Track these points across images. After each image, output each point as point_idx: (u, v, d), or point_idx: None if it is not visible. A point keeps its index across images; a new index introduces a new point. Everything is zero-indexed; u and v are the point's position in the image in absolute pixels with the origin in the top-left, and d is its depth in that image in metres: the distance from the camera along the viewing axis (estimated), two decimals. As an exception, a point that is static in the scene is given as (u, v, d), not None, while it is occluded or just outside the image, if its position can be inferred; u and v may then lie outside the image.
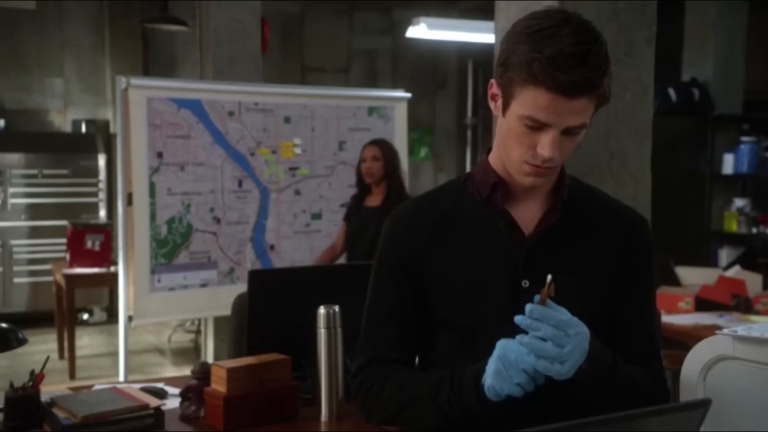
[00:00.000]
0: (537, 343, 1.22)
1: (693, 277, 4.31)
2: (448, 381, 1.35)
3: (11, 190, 6.92)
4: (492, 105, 1.38)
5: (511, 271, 1.37)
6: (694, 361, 1.22)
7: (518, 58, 1.27)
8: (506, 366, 1.24)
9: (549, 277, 1.24)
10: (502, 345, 1.26)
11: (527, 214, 1.43)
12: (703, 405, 0.86)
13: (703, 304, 4.01)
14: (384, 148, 4.03)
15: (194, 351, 6.13)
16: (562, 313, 1.24)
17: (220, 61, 4.80)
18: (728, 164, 5.95)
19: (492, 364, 1.26)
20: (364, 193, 4.05)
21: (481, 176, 1.45)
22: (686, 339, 3.37)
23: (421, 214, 1.47)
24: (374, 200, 3.99)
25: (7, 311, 6.73)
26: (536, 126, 1.29)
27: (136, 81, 4.18)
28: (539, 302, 1.24)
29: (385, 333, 1.47)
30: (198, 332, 5.88)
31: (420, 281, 1.44)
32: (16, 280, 6.94)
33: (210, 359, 4.58)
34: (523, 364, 1.22)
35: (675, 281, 4.37)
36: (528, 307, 1.23)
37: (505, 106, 1.33)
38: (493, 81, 1.36)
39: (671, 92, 5.89)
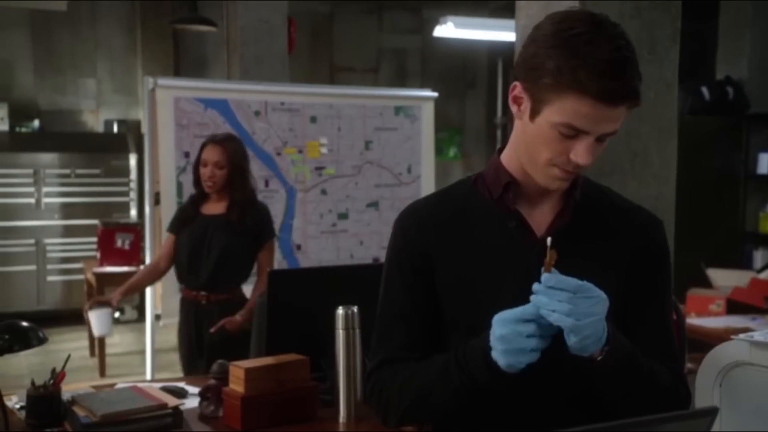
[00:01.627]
0: (555, 304, 1.21)
1: (725, 279, 4.23)
2: (454, 362, 1.33)
3: (45, 189, 7.03)
4: (514, 108, 1.34)
5: (522, 272, 1.34)
6: (710, 366, 1.19)
7: (557, 63, 1.23)
8: (509, 344, 1.22)
9: (548, 240, 1.23)
10: (499, 326, 1.24)
11: (539, 215, 1.40)
12: (710, 413, 0.83)
13: (734, 306, 3.94)
14: (229, 150, 3.26)
15: (223, 349, 6.16)
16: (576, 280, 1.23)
17: (246, 61, 4.82)
18: (763, 164, 5.84)
19: (498, 345, 1.24)
20: (200, 199, 3.33)
21: (493, 176, 1.42)
22: (717, 342, 3.30)
23: (432, 213, 1.44)
24: (215, 207, 3.30)
25: (40, 309, 6.84)
26: (572, 134, 1.27)
27: (163, 81, 4.21)
28: (544, 272, 1.22)
29: (397, 335, 1.44)
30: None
31: (431, 281, 1.41)
32: (50, 278, 7.05)
33: (236, 358, 4.60)
34: (525, 343, 1.22)
35: (706, 283, 4.29)
36: (544, 276, 1.22)
37: (535, 112, 1.29)
38: (517, 84, 1.32)
39: (704, 91, 5.79)
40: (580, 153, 1.27)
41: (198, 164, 3.28)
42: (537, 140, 1.31)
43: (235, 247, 3.26)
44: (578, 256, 1.37)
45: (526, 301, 1.31)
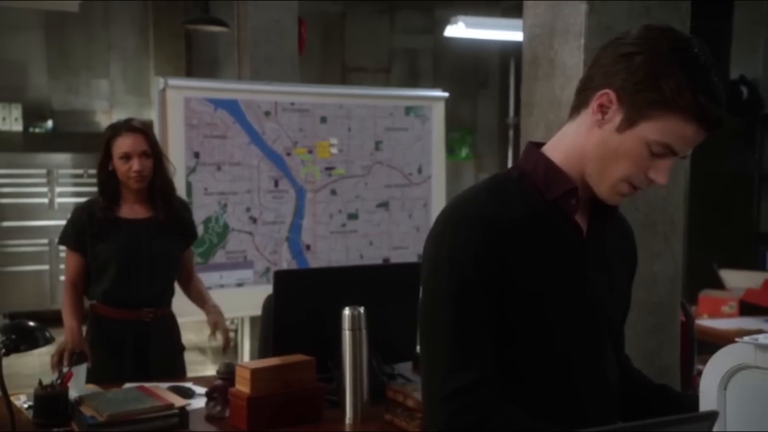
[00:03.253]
0: None
1: (738, 280, 4.20)
2: None
3: (58, 189, 7.06)
4: (597, 116, 1.27)
5: (579, 279, 1.35)
6: (714, 369, 1.18)
7: (678, 83, 1.20)
8: None
9: None
10: None
11: (579, 217, 1.37)
12: (710, 417, 0.82)
13: (747, 308, 3.91)
14: (150, 136, 2.82)
15: (234, 350, 6.18)
16: None
17: (257, 62, 4.82)
18: (777, 164, 5.80)
19: None
20: (111, 204, 2.78)
21: (545, 176, 1.35)
22: (729, 344, 3.28)
23: (496, 212, 1.31)
24: (135, 210, 2.81)
25: (54, 308, 6.87)
26: (663, 152, 1.25)
27: (173, 82, 4.22)
28: None
29: (485, 347, 1.29)
30: (236, 331, 5.93)
31: (500, 288, 1.30)
32: (62, 277, 7.06)
33: (246, 359, 4.60)
34: None
35: (719, 284, 4.26)
36: None
37: (629, 125, 1.25)
38: (608, 92, 1.26)
39: (718, 90, 5.75)
40: (662, 172, 1.26)
41: (107, 162, 2.75)
42: (620, 153, 1.27)
43: (175, 252, 2.89)
44: (607, 258, 1.40)
45: (586, 307, 1.34)
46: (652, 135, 1.23)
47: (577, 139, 1.33)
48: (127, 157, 2.71)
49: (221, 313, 2.89)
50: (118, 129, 2.77)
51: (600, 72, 1.28)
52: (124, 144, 2.72)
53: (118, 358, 2.75)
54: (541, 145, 1.40)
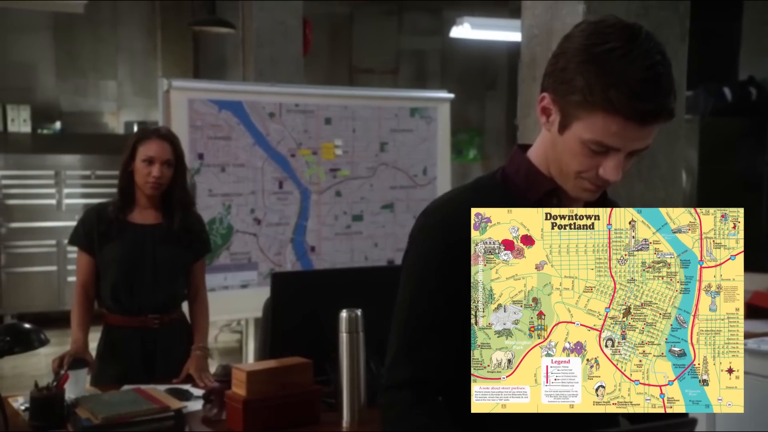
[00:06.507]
0: None
1: (745, 282, 4.15)
2: None
3: (66, 191, 7.09)
4: (542, 119, 1.30)
5: None
6: (704, 375, 1.16)
7: (587, 81, 1.19)
8: None
9: None
10: None
11: None
12: (689, 425, 0.81)
13: (754, 311, 3.86)
14: (177, 146, 2.81)
15: (240, 351, 6.19)
16: None
17: (261, 63, 4.83)
18: (787, 166, 5.75)
19: None
20: (125, 206, 2.79)
21: (525, 178, 1.36)
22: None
23: (465, 222, 1.27)
24: (146, 215, 2.81)
25: (61, 309, 6.90)
26: (602, 150, 1.24)
27: (177, 83, 4.22)
28: None
29: (429, 348, 1.30)
30: (241, 333, 5.94)
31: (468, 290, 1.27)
32: (70, 278, 7.10)
33: (251, 360, 4.60)
34: None
35: (726, 287, 4.22)
36: None
37: (564, 126, 1.26)
38: (545, 95, 1.28)
39: (726, 91, 5.71)
40: (609, 170, 1.24)
41: (129, 163, 2.75)
42: (566, 153, 1.28)
43: (182, 261, 2.84)
44: None
45: None
46: (584, 134, 1.23)
47: (542, 142, 1.35)
48: (150, 161, 2.72)
49: (206, 357, 2.76)
50: (148, 133, 2.79)
51: (545, 77, 1.30)
52: (150, 148, 2.73)
53: (127, 367, 2.71)
54: (527, 147, 1.40)
